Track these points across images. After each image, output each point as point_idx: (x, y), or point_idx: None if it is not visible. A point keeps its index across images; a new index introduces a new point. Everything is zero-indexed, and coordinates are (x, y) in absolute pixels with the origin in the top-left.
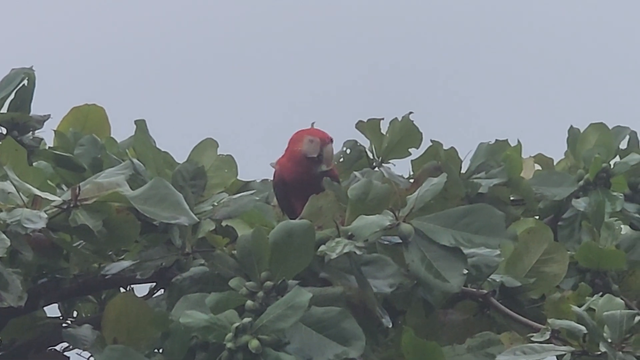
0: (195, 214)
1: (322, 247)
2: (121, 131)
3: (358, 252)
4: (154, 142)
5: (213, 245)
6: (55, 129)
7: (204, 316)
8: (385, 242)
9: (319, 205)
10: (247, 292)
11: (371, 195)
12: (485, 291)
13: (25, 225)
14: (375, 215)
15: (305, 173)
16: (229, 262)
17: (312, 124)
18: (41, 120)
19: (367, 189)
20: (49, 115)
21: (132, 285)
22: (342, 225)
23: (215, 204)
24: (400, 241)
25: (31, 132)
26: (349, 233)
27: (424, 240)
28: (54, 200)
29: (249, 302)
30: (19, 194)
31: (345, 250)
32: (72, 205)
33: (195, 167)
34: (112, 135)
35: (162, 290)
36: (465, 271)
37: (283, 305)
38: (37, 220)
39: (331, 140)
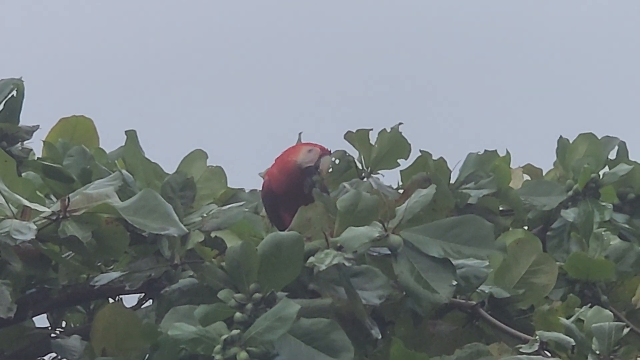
0: (185, 225)
1: (311, 259)
2: (110, 143)
3: (347, 264)
4: (144, 152)
5: (202, 257)
6: (44, 139)
7: (193, 328)
8: (374, 254)
9: (307, 216)
10: (235, 304)
11: (360, 207)
12: (474, 302)
13: (15, 237)
14: (364, 227)
15: (296, 184)
16: (217, 274)
17: (300, 134)
18: (30, 131)
19: (356, 200)
20: (38, 125)
21: (120, 296)
22: (331, 236)
23: (205, 215)
24: (389, 252)
25: (20, 143)
26: (338, 244)
27: (413, 251)
28: (43, 212)
29: (238, 314)
30: (8, 205)
31: (334, 262)
32: (61, 216)
33: (185, 179)
34: (100, 147)
35: (151, 301)
36: (455, 282)
37: (271, 317)
38: (26, 231)
39: (329, 152)
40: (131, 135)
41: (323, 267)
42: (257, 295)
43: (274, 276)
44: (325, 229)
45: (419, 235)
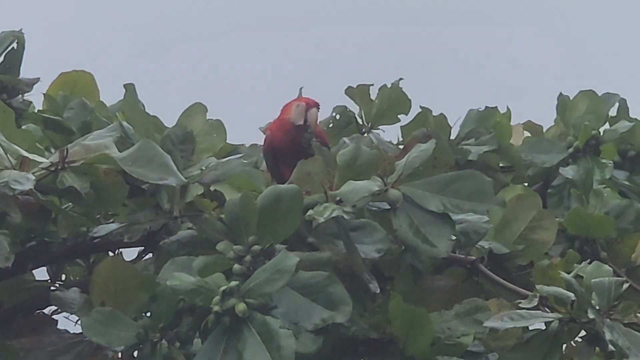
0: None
1: (310, 212)
2: (110, 98)
3: (346, 217)
4: (143, 106)
5: (201, 209)
6: (44, 93)
7: (191, 279)
8: (374, 208)
9: (307, 170)
10: (234, 255)
11: (360, 161)
12: (473, 258)
13: (13, 187)
14: (363, 181)
15: (294, 141)
16: (216, 226)
17: (300, 89)
18: (30, 84)
19: (356, 154)
20: (39, 78)
21: (120, 250)
22: (330, 190)
23: (204, 168)
24: (389, 207)
25: (20, 95)
26: (337, 198)
27: (412, 206)
28: (41, 162)
29: (236, 266)
30: (7, 155)
31: (333, 215)
32: (59, 167)
33: (184, 132)
34: (101, 100)
35: (150, 254)
36: (454, 237)
37: (270, 269)
38: (24, 181)
39: (316, 105)
40: (130, 88)
41: (322, 220)
42: (256, 247)
43: (273, 229)
44: (325, 182)
45: (418, 189)
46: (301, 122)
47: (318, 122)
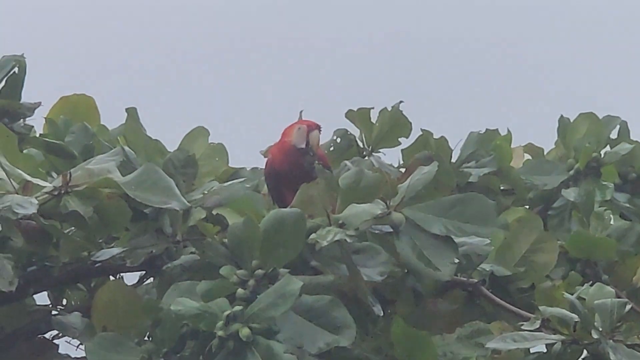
0: None
1: (313, 235)
2: (111, 122)
3: (349, 240)
4: (145, 130)
5: (204, 233)
6: (45, 117)
7: (195, 304)
8: (376, 231)
9: (310, 193)
10: (238, 280)
11: (362, 184)
12: (475, 280)
13: (16, 211)
14: (366, 204)
15: (296, 164)
16: (219, 251)
17: (300, 112)
18: (32, 108)
19: (358, 177)
20: (40, 102)
21: (121, 274)
22: (333, 213)
23: (206, 192)
24: (391, 230)
25: (22, 120)
26: (340, 221)
27: (415, 229)
28: (44, 187)
29: (240, 291)
30: (10, 180)
31: (336, 238)
32: (62, 191)
33: (186, 156)
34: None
35: (152, 278)
36: (456, 260)
37: (274, 293)
38: (27, 205)
39: (318, 127)
40: (132, 112)
41: (325, 244)
42: (260, 271)
43: (276, 253)
44: (327, 206)
45: (421, 212)
46: (303, 145)
47: (319, 145)
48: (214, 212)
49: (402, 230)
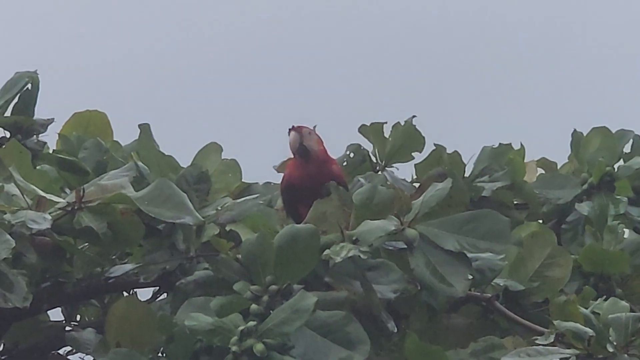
0: None
1: (326, 252)
2: (124, 138)
3: (363, 257)
4: (158, 146)
5: (217, 249)
6: (58, 133)
7: (209, 319)
8: (390, 248)
9: (323, 210)
10: (251, 295)
11: (376, 200)
12: (489, 295)
13: (30, 226)
14: (380, 220)
15: (307, 174)
16: (233, 266)
17: (314, 127)
18: (45, 124)
19: (372, 194)
20: (53, 119)
21: (135, 290)
22: (346, 230)
23: (219, 208)
24: (405, 246)
25: (35, 136)
26: (354, 238)
27: (429, 245)
28: (58, 202)
29: (254, 306)
30: (23, 196)
31: (349, 255)
32: (76, 207)
33: (199, 172)
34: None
35: (165, 294)
36: (470, 276)
37: (288, 309)
38: (41, 221)
39: (294, 129)
40: (145, 128)
41: (338, 260)
42: (273, 287)
43: (290, 268)
44: (341, 222)
45: (435, 229)
46: (294, 150)
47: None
48: (227, 228)
49: (416, 247)
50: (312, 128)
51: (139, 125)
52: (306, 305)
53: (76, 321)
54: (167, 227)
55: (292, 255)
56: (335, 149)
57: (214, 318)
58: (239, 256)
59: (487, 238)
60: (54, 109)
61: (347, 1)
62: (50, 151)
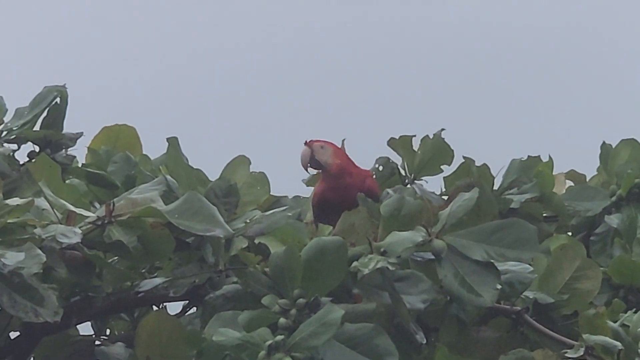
0: None
1: (354, 264)
2: (153, 151)
3: (391, 268)
4: (187, 159)
5: (246, 262)
6: (87, 147)
7: (237, 334)
8: (418, 259)
9: (351, 221)
10: (279, 309)
11: (404, 212)
12: (518, 308)
13: (60, 240)
14: (408, 232)
15: (338, 188)
16: (261, 280)
17: (343, 141)
18: (74, 138)
19: (400, 205)
20: (82, 133)
21: (165, 304)
22: (374, 241)
23: (248, 221)
24: (433, 257)
25: (64, 150)
26: (382, 249)
27: (457, 255)
28: (88, 217)
29: (282, 320)
30: (53, 210)
31: (378, 266)
32: (106, 221)
33: (228, 185)
34: (145, 153)
35: (195, 308)
36: (499, 286)
37: (316, 322)
38: (71, 235)
39: (306, 143)
40: (173, 142)
41: (367, 272)
42: (301, 300)
43: (318, 281)
44: (369, 234)
45: (463, 239)
46: (310, 165)
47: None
48: (256, 241)
49: (444, 257)
50: (325, 141)
51: (168, 139)
52: (334, 319)
53: (106, 335)
54: (196, 241)
55: (320, 267)
56: (364, 162)
57: (241, 333)
58: (267, 269)
59: (515, 247)
60: (83, 123)
61: (374, 13)
62: (79, 165)
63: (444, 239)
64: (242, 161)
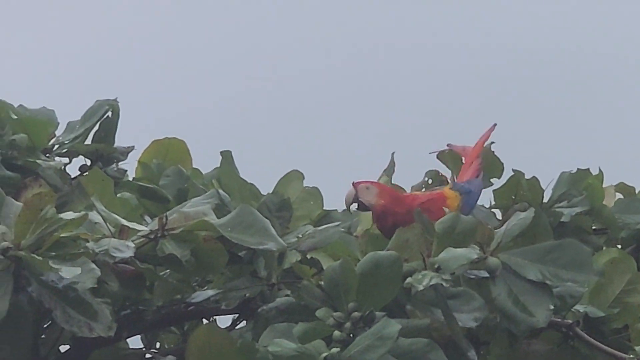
0: None
1: (408, 280)
2: (203, 165)
3: (445, 285)
4: (239, 173)
5: (300, 276)
6: (137, 160)
7: (293, 345)
8: (471, 276)
9: (405, 237)
10: (334, 322)
11: (459, 229)
12: (569, 321)
13: (113, 254)
14: (462, 249)
15: (381, 227)
16: (315, 293)
17: (392, 154)
18: (125, 152)
19: (455, 222)
20: (133, 146)
21: (214, 317)
22: (428, 257)
23: (300, 235)
24: (486, 275)
25: (115, 164)
26: (436, 265)
27: (511, 274)
28: (140, 230)
29: (337, 333)
30: (106, 224)
31: (432, 283)
32: (159, 235)
33: (281, 199)
34: (196, 167)
35: (245, 322)
36: (552, 306)
37: (372, 336)
38: (125, 249)
39: (352, 184)
40: (226, 155)
41: (421, 288)
42: (356, 314)
43: (373, 295)
44: (423, 250)
45: (517, 258)
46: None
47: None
48: (308, 256)
49: (498, 276)
50: (371, 182)
51: (221, 152)
52: (390, 333)
53: (156, 349)
54: (248, 254)
55: (375, 282)
56: (414, 176)
57: (297, 344)
58: (321, 283)
59: (570, 268)
60: (133, 136)
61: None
62: (130, 178)
63: (499, 257)
64: (295, 176)
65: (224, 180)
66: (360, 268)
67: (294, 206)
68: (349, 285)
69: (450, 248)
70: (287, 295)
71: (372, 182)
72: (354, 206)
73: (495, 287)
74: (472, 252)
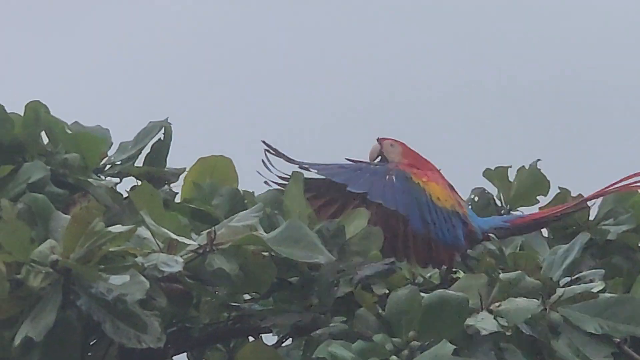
0: (336, 273)
1: (471, 321)
2: (247, 184)
3: (507, 334)
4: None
5: (360, 302)
6: (185, 178)
7: (350, 354)
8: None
9: (469, 283)
10: (392, 348)
11: (522, 285)
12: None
13: (162, 269)
14: (525, 300)
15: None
16: (369, 322)
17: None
18: (177, 174)
19: (519, 279)
20: (184, 168)
21: (260, 335)
22: (486, 301)
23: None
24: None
25: (167, 185)
26: (500, 316)
27: (570, 327)
28: (189, 245)
29: (394, 357)
30: (155, 239)
31: (495, 330)
32: (207, 249)
33: (337, 226)
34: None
35: (291, 339)
36: (611, 353)
37: (428, 354)
38: (173, 264)
39: (378, 140)
40: (296, 177)
41: (484, 333)
42: (415, 343)
43: (435, 329)
44: (485, 296)
45: (577, 312)
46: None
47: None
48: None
49: (560, 331)
50: (395, 140)
51: (293, 172)
52: (446, 350)
53: None
54: (300, 280)
55: (439, 316)
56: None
57: (355, 355)
58: (380, 311)
59: (629, 322)
60: (181, 154)
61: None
62: (180, 199)
63: (559, 311)
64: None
65: (287, 201)
66: (427, 300)
67: (352, 241)
68: (413, 314)
69: (512, 298)
70: (342, 322)
71: (395, 140)
72: (377, 160)
73: (557, 341)
74: (534, 305)
